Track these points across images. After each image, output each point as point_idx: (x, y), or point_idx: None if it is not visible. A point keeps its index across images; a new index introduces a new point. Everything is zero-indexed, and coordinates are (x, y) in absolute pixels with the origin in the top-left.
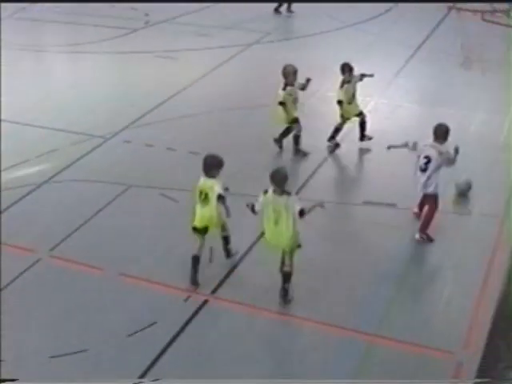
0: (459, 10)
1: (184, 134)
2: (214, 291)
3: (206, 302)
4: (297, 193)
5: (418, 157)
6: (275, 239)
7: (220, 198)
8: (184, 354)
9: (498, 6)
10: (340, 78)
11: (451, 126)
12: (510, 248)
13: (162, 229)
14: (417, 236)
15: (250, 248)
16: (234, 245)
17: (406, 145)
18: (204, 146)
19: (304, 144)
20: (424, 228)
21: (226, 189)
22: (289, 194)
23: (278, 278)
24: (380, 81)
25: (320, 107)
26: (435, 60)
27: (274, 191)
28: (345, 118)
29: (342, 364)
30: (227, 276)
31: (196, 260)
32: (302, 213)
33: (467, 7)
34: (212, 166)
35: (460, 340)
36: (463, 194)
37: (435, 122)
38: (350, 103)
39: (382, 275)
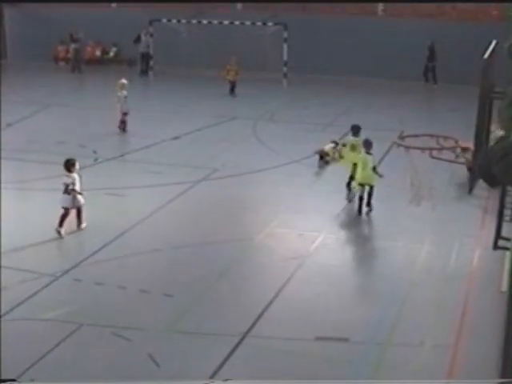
0: (408, 147)
1: (134, 273)
2: None
3: None
4: (250, 328)
5: None
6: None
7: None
8: None
9: (445, 143)
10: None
11: (399, 258)
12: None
13: (113, 368)
14: None
15: None
16: None
17: None
18: (154, 284)
19: (254, 281)
20: None
21: None
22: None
23: None
24: (327, 215)
25: (269, 243)
26: (381, 194)
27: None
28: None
29: None
30: None
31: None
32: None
33: (416, 145)
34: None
35: None
36: None
37: (383, 256)
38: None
39: None
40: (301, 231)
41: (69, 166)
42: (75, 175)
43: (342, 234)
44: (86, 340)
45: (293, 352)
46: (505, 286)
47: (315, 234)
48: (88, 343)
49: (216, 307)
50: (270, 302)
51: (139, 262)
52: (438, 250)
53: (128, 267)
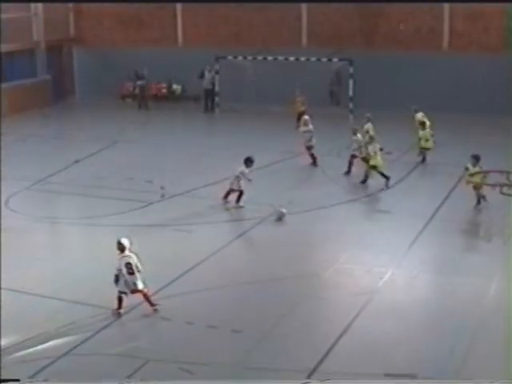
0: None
1: (202, 308)
2: None
3: None
4: (319, 364)
5: None
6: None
7: None
8: None
9: None
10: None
11: (468, 294)
12: None
13: None
14: None
15: None
16: None
17: None
18: (221, 320)
19: (322, 317)
20: None
21: None
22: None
23: None
24: (394, 252)
25: (337, 279)
26: (449, 230)
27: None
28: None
29: None
30: None
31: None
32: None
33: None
34: None
35: None
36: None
37: (452, 292)
38: None
39: None
40: (369, 267)
41: (247, 162)
42: (244, 168)
43: (410, 270)
44: (152, 375)
45: None
46: None
47: (383, 269)
48: (154, 379)
49: (284, 343)
50: (339, 338)
51: (206, 297)
52: (507, 286)
53: (195, 303)
